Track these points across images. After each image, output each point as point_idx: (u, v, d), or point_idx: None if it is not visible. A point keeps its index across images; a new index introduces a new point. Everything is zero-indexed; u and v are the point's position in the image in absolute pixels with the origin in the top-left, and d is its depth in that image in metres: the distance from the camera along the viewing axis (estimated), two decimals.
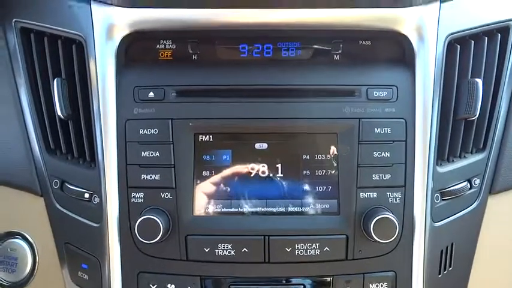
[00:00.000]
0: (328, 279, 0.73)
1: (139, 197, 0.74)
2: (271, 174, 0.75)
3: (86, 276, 0.76)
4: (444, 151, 0.75)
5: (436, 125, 0.73)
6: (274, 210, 0.74)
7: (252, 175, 0.74)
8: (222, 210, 0.74)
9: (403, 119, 0.74)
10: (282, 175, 0.74)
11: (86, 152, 0.75)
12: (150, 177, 0.73)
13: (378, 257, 0.73)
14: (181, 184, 0.73)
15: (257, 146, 0.75)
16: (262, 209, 0.74)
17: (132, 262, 0.74)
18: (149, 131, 0.74)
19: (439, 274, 0.75)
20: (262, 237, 0.72)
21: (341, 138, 0.74)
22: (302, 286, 0.79)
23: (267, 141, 0.74)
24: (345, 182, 0.73)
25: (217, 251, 0.72)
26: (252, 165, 0.74)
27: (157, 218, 0.70)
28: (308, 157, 0.74)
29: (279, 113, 0.74)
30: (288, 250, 0.72)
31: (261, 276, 0.73)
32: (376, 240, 0.70)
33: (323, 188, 0.74)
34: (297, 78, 0.75)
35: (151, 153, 0.73)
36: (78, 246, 0.77)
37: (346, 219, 0.73)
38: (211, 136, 0.74)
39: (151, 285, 0.79)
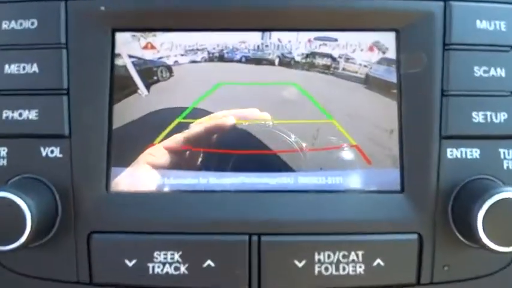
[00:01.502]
0: None
1: None
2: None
3: None
4: None
5: None
6: (271, 183, 0.42)
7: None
8: (167, 182, 0.42)
9: None
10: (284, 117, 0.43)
11: None
12: (20, 115, 0.42)
13: (482, 279, 0.41)
14: (83, 129, 0.42)
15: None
16: (248, 181, 0.42)
17: None
18: (20, 25, 0.43)
19: None
20: (247, 236, 0.40)
21: (406, 38, 0.43)
22: None
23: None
24: (415, 128, 0.42)
25: (151, 265, 0.40)
26: None
27: (21, 199, 0.37)
28: (335, 78, 0.43)
29: None
30: (300, 265, 0.39)
31: None
32: (485, 247, 0.37)
33: (368, 141, 0.42)
34: None
35: (23, 68, 0.42)
36: None
37: (419, 202, 0.41)
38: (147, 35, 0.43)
39: None
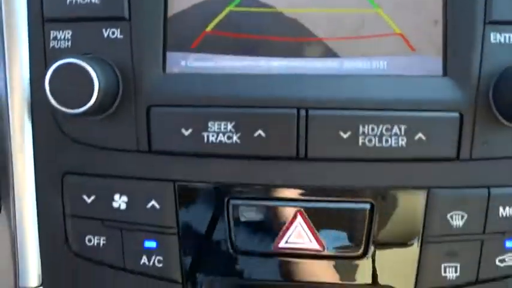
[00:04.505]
0: (421, 194, 0.42)
1: (64, 38, 0.44)
2: None
3: None
4: None
5: None
6: (317, 65, 0.44)
7: None
8: (219, 65, 0.44)
9: None
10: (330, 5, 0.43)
11: None
12: None
13: None
14: (142, 13, 0.43)
15: None
16: (297, 64, 0.44)
17: (51, 153, 0.45)
18: None
19: None
20: (295, 110, 0.42)
21: None
22: (369, 205, 0.42)
23: None
24: (459, 16, 0.42)
25: (206, 134, 0.42)
26: None
27: (89, 65, 0.40)
28: None
29: None
30: (344, 136, 0.41)
31: (289, 185, 0.43)
32: None
33: (413, 30, 0.43)
34: None
35: None
36: None
37: (461, 84, 0.42)
38: None
39: (85, 197, 0.43)
